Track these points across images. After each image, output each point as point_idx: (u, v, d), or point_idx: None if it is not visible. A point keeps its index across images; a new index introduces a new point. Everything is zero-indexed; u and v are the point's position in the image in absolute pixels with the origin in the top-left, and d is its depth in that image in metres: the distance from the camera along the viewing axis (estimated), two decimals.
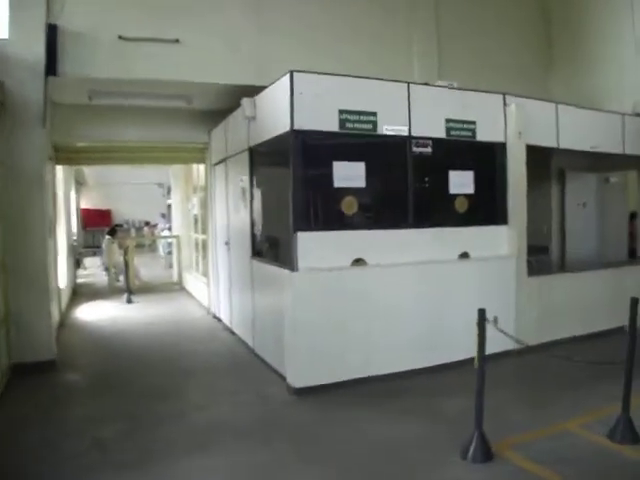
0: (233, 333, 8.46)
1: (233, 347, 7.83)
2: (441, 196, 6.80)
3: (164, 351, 7.63)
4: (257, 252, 7.23)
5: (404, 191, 6.44)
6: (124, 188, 25.29)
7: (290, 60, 6.58)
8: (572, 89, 9.71)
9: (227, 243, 8.47)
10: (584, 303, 7.62)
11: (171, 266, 16.86)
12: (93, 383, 6.33)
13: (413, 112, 6.44)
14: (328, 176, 5.95)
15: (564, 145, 7.67)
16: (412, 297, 6.33)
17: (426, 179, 6.76)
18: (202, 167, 11.45)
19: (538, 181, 8.41)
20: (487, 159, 7.22)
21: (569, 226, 9.36)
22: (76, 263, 14.31)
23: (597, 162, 9.12)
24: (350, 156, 6.09)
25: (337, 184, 5.98)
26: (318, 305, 5.77)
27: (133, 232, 25.38)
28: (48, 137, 7.78)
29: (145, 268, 14.71)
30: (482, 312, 4.23)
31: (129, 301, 11.53)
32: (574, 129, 7.69)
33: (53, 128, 8.48)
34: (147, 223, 24.54)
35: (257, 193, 7.11)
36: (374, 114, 6.17)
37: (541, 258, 8.68)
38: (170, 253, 17.27)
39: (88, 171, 23.32)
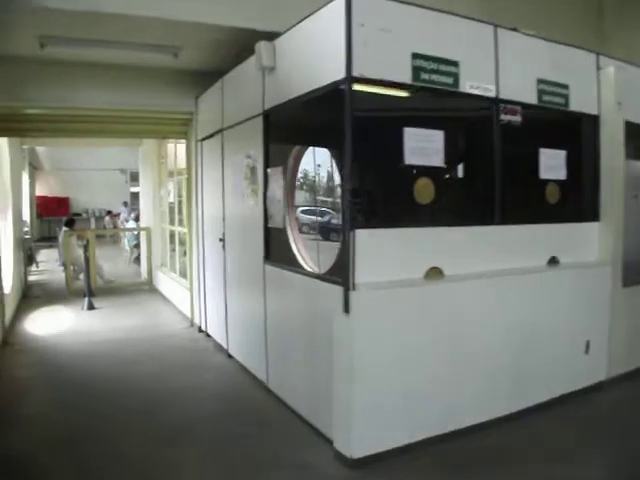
0: (230, 356, 6.58)
1: (235, 381, 5.95)
2: (531, 182, 5.06)
3: (140, 391, 5.65)
4: (273, 254, 5.30)
5: (489, 174, 4.70)
6: (84, 174, 23.11)
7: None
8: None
9: (222, 240, 6.54)
10: None
11: (137, 261, 14.86)
12: (37, 459, 4.16)
13: (501, 67, 4.70)
14: (396, 148, 4.15)
15: None
16: (499, 319, 4.63)
17: (515, 158, 4.95)
18: (182, 145, 9.51)
19: None
20: (577, 135, 5.54)
21: None
22: (28, 259, 12.06)
23: None
24: (424, 122, 4.31)
25: (409, 160, 4.16)
26: (386, 339, 3.99)
27: (93, 222, 23.12)
28: None
29: (107, 262, 12.56)
30: None
31: (91, 307, 9.49)
32: None
33: None
34: (109, 212, 22.25)
35: (276, 174, 5.18)
36: (455, 64, 4.39)
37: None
38: (136, 246, 15.19)
39: (44, 154, 21.12)
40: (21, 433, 4.55)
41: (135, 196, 23.71)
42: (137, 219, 15.57)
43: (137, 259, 15.34)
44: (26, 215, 16.83)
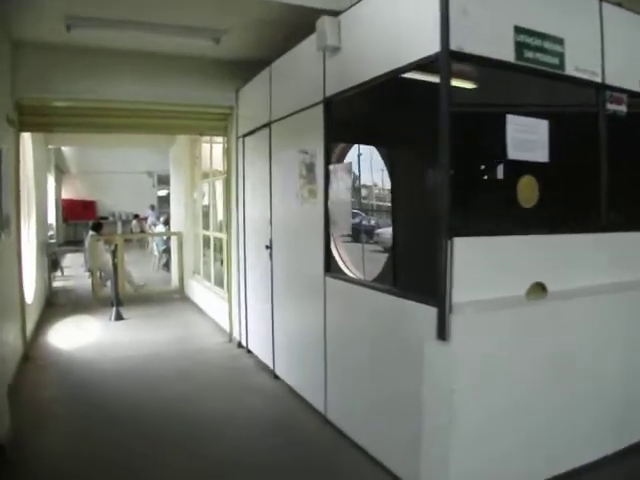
0: (276, 377, 5.86)
1: (285, 407, 5.21)
2: (636, 182, 4.23)
3: (176, 418, 4.91)
4: (337, 265, 4.55)
5: (594, 172, 3.88)
6: (110, 177, 22.45)
7: None
8: None
9: (269, 247, 5.77)
10: None
11: (166, 267, 14.17)
12: None
13: (607, 48, 3.90)
14: (498, 140, 3.37)
15: None
16: (615, 343, 3.90)
17: (622, 154, 4.14)
18: (217, 145, 8.84)
19: None
20: None
21: None
22: (52, 264, 11.42)
23: None
24: (526, 109, 3.56)
25: (512, 154, 3.39)
26: (491, 373, 3.25)
27: (119, 226, 22.55)
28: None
29: (134, 268, 11.83)
30: None
31: (119, 317, 8.78)
32: None
33: (16, 79, 6.05)
34: (136, 216, 21.68)
35: (341, 171, 4.40)
36: (560, 42, 3.62)
37: None
38: (165, 252, 14.51)
39: (70, 157, 20.62)
40: (42, 475, 3.80)
41: (162, 199, 23.25)
42: (166, 223, 14.87)
43: (166, 265, 14.67)
44: (52, 218, 16.27)
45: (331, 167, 4.52)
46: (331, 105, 4.52)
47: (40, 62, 6.21)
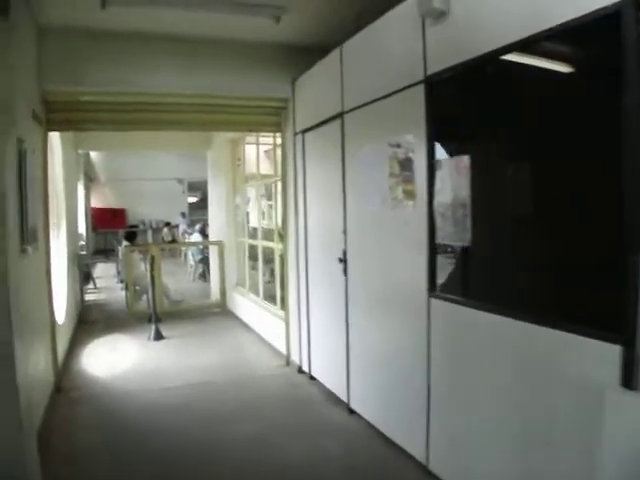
0: (352, 412, 4.95)
1: (369, 452, 4.30)
2: None
3: (239, 468, 4.08)
4: (447, 284, 3.59)
5: None
6: (140, 185, 21.78)
7: None
8: None
9: (343, 260, 4.85)
10: None
11: (202, 277, 13.35)
12: None
13: None
14: None
15: None
16: None
17: None
18: (264, 146, 7.99)
19: None
20: None
21: None
22: (84, 277, 10.60)
23: None
24: None
25: None
26: None
27: (150, 234, 21.81)
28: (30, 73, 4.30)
29: (169, 279, 10.94)
30: None
31: (158, 336, 7.91)
32: None
33: (43, 70, 5.23)
34: (167, 224, 20.90)
35: (454, 166, 3.46)
36: None
37: None
38: (202, 261, 13.69)
39: (100, 164, 20.02)
40: None
41: (193, 206, 22.53)
42: (202, 232, 14.04)
43: (202, 275, 13.90)
44: (82, 228, 15.53)
45: (440, 162, 3.57)
46: (436, 85, 3.57)
47: (69, 50, 5.40)
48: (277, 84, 6.10)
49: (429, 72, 3.63)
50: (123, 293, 10.67)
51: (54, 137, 7.65)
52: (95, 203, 21.25)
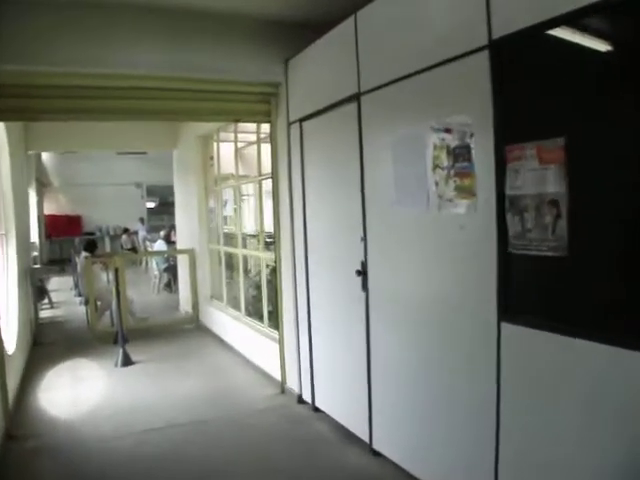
0: (377, 453, 4.08)
1: None
2: None
3: None
4: (518, 305, 2.72)
5: None
6: (95, 190, 20.56)
7: None
8: None
9: (362, 273, 3.96)
10: None
11: (167, 288, 12.31)
12: None
13: None
14: None
15: None
16: None
17: None
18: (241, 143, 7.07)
19: None
20: None
21: None
22: (39, 293, 9.41)
23: None
24: None
25: None
26: None
27: (108, 242, 20.55)
28: None
29: (130, 290, 9.77)
30: None
31: (127, 362, 6.88)
32: None
33: None
34: (126, 230, 19.65)
35: (531, 153, 2.58)
36: None
37: None
38: (167, 270, 12.63)
39: (52, 169, 18.81)
40: None
41: (151, 212, 21.40)
42: (167, 239, 12.97)
43: (167, 286, 12.83)
44: (34, 236, 14.30)
45: (516, 147, 2.70)
46: (507, 51, 2.71)
47: (23, 20, 4.33)
48: (267, 66, 5.19)
49: (496, 35, 2.76)
50: (82, 308, 9.56)
51: (1, 136, 6.56)
52: (49, 210, 19.95)
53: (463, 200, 3.06)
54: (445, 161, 3.17)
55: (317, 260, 4.83)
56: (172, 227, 13.22)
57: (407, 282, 3.60)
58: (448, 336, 3.23)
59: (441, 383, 3.34)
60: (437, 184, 3.25)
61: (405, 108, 3.54)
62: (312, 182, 4.84)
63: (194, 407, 5.32)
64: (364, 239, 4.01)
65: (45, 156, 18.98)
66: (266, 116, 5.49)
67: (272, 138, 5.48)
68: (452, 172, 3.12)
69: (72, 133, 9.20)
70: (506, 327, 2.84)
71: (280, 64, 5.18)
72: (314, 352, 5.01)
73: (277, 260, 5.52)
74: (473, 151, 2.97)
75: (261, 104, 5.44)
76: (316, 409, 5.04)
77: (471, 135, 2.98)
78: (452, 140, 3.11)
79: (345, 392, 4.50)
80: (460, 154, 3.05)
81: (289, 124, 5.16)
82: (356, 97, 4.02)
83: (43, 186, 19.08)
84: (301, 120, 4.94)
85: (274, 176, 5.47)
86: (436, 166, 3.25)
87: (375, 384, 4.04)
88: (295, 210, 5.13)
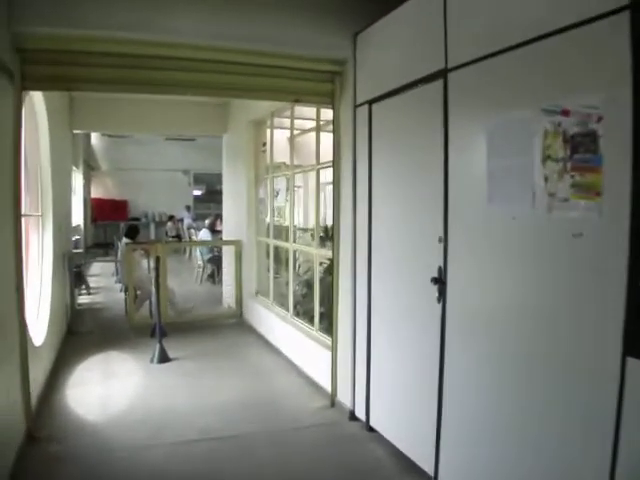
0: None
1: None
2: None
3: None
4: None
5: None
6: (143, 175, 20.27)
7: None
8: None
9: (439, 281, 3.36)
10: None
11: (211, 279, 11.87)
12: None
13: None
14: None
15: None
16: None
17: None
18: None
19: None
20: None
21: None
22: (76, 279, 9.02)
23: None
24: None
25: None
26: None
27: (153, 229, 20.30)
28: None
29: (173, 280, 9.32)
30: None
31: (163, 358, 6.39)
32: None
33: (14, 4, 3.73)
34: (171, 217, 19.39)
35: None
36: None
37: None
38: (211, 261, 12.19)
39: (101, 152, 18.62)
40: None
41: (197, 200, 21.09)
42: (212, 228, 12.53)
43: (211, 276, 12.39)
44: (80, 220, 14.04)
45: None
46: None
47: None
48: (333, 39, 4.60)
49: None
50: (121, 295, 9.18)
51: (40, 111, 6.12)
52: (95, 193, 19.78)
53: (582, 200, 2.42)
54: (560, 151, 2.53)
55: (382, 261, 4.24)
56: (217, 216, 12.80)
57: (499, 298, 2.98)
58: (555, 372, 2.60)
59: (542, 427, 2.70)
60: (547, 179, 2.62)
61: (507, 86, 2.91)
62: (380, 173, 4.24)
63: (232, 417, 4.79)
64: (444, 241, 3.38)
65: (94, 139, 18.84)
66: (329, 97, 4.91)
67: (335, 122, 4.88)
68: (569, 165, 2.48)
69: (119, 114, 8.83)
70: (633, 363, 2.19)
71: (347, 38, 4.60)
72: (372, 364, 4.42)
73: (335, 258, 4.93)
74: (601, 139, 2.32)
75: (324, 83, 4.86)
76: (370, 429, 4.47)
77: (598, 119, 2.33)
78: (570, 125, 2.47)
79: (407, 414, 3.92)
80: (581, 143, 2.41)
81: (355, 107, 4.58)
82: (442, 74, 3.40)
83: (91, 169, 18.92)
84: (370, 102, 4.35)
85: (335, 165, 4.89)
86: (547, 157, 2.61)
87: (447, 414, 3.43)
88: (359, 203, 4.54)
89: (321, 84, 4.87)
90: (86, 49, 4.10)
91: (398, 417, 4.07)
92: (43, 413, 4.77)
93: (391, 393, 4.17)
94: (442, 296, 3.42)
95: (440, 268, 3.43)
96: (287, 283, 6.95)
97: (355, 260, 4.62)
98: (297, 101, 5.11)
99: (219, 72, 4.59)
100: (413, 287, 3.73)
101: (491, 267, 3.03)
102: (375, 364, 4.38)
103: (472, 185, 3.17)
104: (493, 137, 2.97)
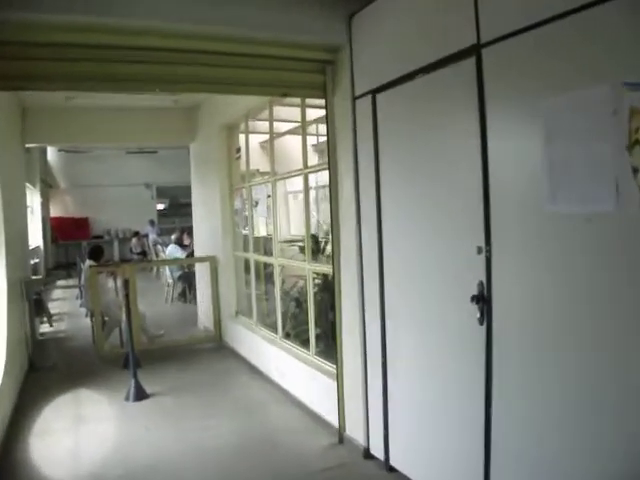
0: None
1: None
2: None
3: None
4: None
5: None
6: (103, 191, 19.37)
7: None
8: None
9: (481, 299, 2.76)
10: None
11: (182, 298, 11.12)
12: None
13: None
14: None
15: None
16: None
17: None
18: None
19: None
20: None
21: None
22: (37, 307, 8.12)
23: None
24: None
25: None
26: None
27: (117, 246, 19.41)
28: None
29: (140, 300, 8.40)
30: None
31: (140, 395, 5.66)
32: None
33: None
34: (136, 233, 18.52)
35: None
36: None
37: None
38: (181, 278, 11.43)
39: (58, 169, 17.83)
40: None
41: (161, 214, 20.34)
42: (179, 242, 11.80)
43: (182, 295, 11.62)
44: (39, 241, 13.14)
45: None
46: None
47: None
48: (324, 23, 3.97)
49: None
50: (87, 321, 8.41)
51: None
52: (55, 212, 18.84)
53: None
54: None
55: (397, 276, 3.60)
56: (184, 230, 12.07)
57: (565, 322, 2.37)
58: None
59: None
60: (637, 171, 2.02)
61: (571, 58, 2.31)
62: (390, 171, 3.66)
63: (227, 467, 4.10)
64: (486, 251, 2.76)
65: (51, 155, 18.00)
66: (321, 90, 4.29)
67: (329, 117, 4.25)
68: None
69: (76, 125, 8.11)
70: None
71: (341, 21, 3.99)
72: (390, 394, 3.80)
73: (335, 272, 4.30)
74: None
75: (314, 74, 4.24)
76: (391, 468, 3.83)
77: None
78: None
79: (440, 455, 3.30)
80: None
81: (354, 98, 3.96)
82: (474, 50, 2.81)
83: (49, 187, 18.02)
84: (374, 92, 3.73)
85: (331, 166, 4.25)
86: (635, 142, 2.01)
87: (497, 449, 2.81)
88: (364, 210, 3.93)
89: (311, 74, 4.26)
90: (39, 40, 3.38)
91: (426, 457, 3.46)
92: (1, 470, 4.00)
93: (416, 428, 3.57)
94: (487, 316, 2.81)
95: (482, 284, 2.82)
96: (267, 300, 6.27)
97: (362, 272, 4.02)
98: (285, 95, 4.48)
99: (196, 64, 3.94)
100: (444, 304, 3.14)
101: (548, 281, 2.45)
102: (395, 395, 3.77)
103: (521, 181, 2.58)
104: (553, 121, 2.38)
